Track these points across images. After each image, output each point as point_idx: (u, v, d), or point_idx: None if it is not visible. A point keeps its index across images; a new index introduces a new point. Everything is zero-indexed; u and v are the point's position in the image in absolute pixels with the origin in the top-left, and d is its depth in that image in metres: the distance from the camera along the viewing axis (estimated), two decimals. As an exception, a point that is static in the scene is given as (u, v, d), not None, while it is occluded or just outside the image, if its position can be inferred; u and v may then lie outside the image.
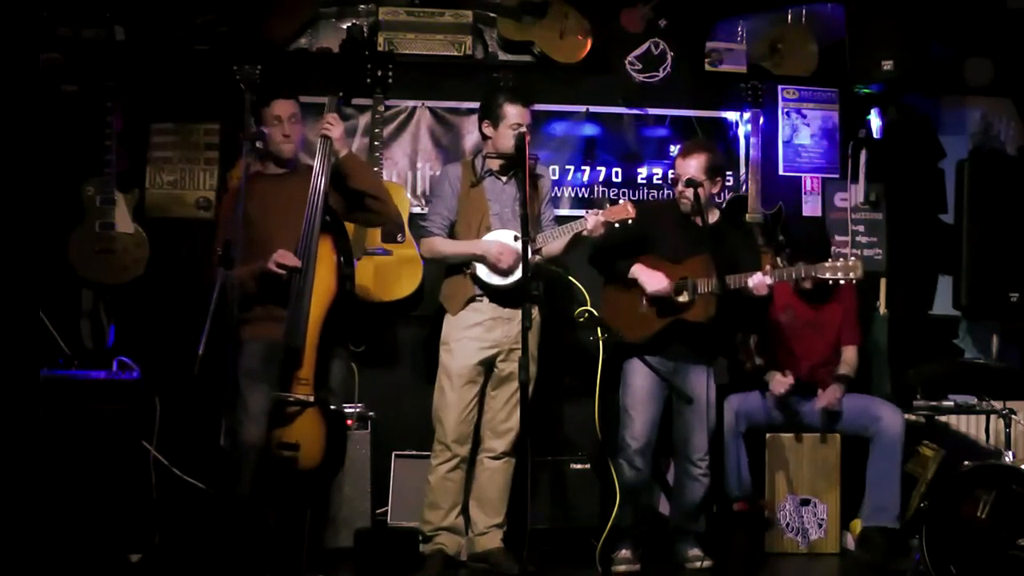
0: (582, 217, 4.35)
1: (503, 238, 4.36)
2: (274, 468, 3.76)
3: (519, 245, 4.12)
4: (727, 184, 5.40)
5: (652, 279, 4.37)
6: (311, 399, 3.81)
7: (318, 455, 3.81)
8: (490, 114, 4.42)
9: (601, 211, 4.28)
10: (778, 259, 4.89)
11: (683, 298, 4.37)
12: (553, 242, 4.38)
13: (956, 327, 5.53)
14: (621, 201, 4.46)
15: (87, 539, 4.33)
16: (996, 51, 5.45)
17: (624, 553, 4.45)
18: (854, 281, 4.22)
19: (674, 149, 5.38)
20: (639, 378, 4.40)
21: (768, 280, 4.22)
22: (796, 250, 4.84)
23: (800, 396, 4.78)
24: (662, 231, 4.43)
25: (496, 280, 4.36)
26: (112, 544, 4.36)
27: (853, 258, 4.31)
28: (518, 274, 4.28)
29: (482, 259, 4.34)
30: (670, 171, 4.58)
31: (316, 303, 3.86)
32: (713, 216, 4.47)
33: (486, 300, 4.39)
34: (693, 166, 4.36)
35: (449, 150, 5.31)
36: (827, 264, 4.19)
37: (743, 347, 4.90)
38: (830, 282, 4.22)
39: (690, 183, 4.25)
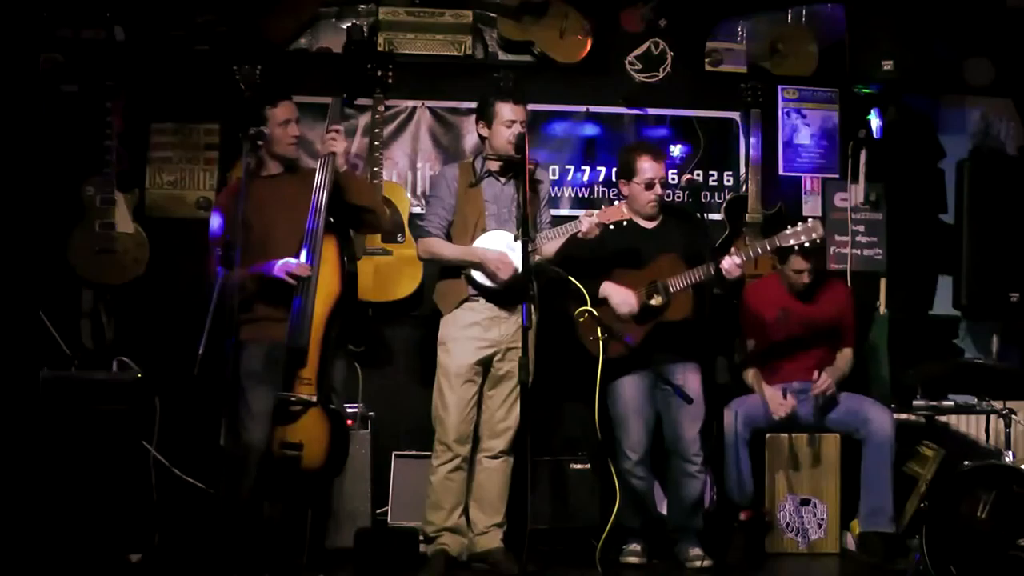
0: (577, 218, 4.33)
1: (499, 239, 4.35)
2: (277, 468, 3.76)
3: (518, 254, 4.12)
4: (727, 184, 5.43)
5: (619, 296, 4.40)
6: (314, 399, 3.81)
7: (322, 455, 3.81)
8: (484, 114, 4.43)
9: (596, 213, 4.28)
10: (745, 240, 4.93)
11: (656, 301, 4.38)
12: (548, 243, 4.37)
13: (956, 327, 5.53)
14: (616, 203, 4.45)
15: (87, 539, 4.32)
16: (996, 51, 5.45)
17: (634, 547, 4.50)
18: (817, 241, 4.29)
19: (675, 149, 5.40)
20: (628, 389, 4.45)
21: (737, 260, 4.27)
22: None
23: (798, 397, 4.77)
24: (613, 242, 4.38)
25: (491, 283, 4.34)
26: (112, 544, 4.35)
27: (812, 220, 4.30)
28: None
29: (479, 267, 4.33)
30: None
31: (320, 303, 3.86)
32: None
33: (482, 300, 4.38)
34: (660, 168, 4.49)
35: (449, 150, 5.31)
36: (787, 232, 4.25)
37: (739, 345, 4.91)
38: (796, 248, 4.30)
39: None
